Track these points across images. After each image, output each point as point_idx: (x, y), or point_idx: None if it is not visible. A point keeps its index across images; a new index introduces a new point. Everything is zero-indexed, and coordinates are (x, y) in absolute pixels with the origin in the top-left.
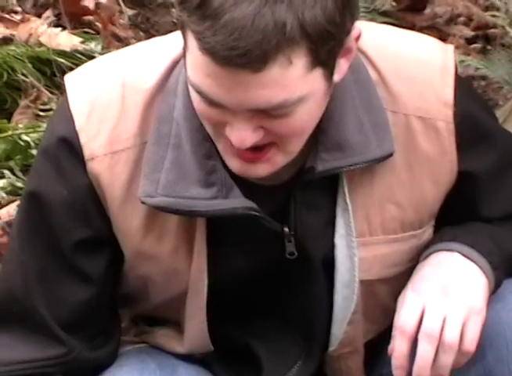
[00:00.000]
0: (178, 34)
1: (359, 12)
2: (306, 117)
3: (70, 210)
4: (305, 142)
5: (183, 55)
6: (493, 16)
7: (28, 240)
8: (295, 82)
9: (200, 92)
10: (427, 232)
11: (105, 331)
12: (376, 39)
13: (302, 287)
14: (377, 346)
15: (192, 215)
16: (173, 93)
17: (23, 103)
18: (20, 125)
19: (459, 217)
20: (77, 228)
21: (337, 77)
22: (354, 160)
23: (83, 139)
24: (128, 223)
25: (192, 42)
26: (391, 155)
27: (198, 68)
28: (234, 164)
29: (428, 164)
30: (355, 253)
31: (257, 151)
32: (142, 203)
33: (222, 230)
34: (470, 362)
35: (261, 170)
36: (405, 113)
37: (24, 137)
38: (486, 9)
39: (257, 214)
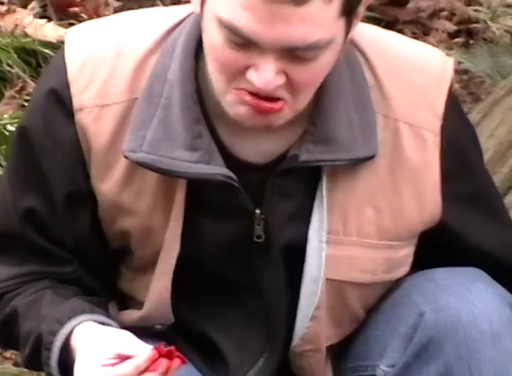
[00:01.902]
0: (178, 6)
1: None
2: (323, 67)
3: (55, 161)
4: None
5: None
6: (476, 10)
7: (15, 183)
8: (329, 23)
9: (232, 29)
10: (407, 248)
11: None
12: (376, 39)
13: (264, 274)
14: (342, 342)
15: (173, 175)
16: (169, 54)
17: (8, 93)
18: (6, 116)
19: (448, 249)
20: (61, 181)
21: (348, 38)
22: (338, 156)
23: (73, 90)
24: (108, 175)
25: None
26: (373, 157)
27: (235, 1)
28: (243, 112)
29: (411, 172)
30: (323, 248)
31: (271, 101)
32: (125, 157)
33: (200, 199)
34: (430, 359)
35: (269, 120)
36: (395, 119)
37: (9, 127)
38: (469, 3)
39: (235, 184)
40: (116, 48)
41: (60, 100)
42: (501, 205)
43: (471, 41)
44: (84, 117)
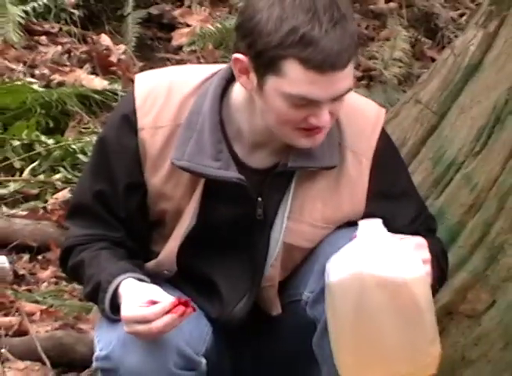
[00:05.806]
0: (208, 66)
1: None
2: (343, 102)
3: (121, 161)
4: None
5: (258, 84)
6: (374, 62)
7: (92, 173)
8: (351, 74)
9: (303, 98)
10: None
11: (136, 250)
12: None
13: (256, 238)
14: (285, 280)
15: (203, 176)
16: (203, 96)
17: (71, 124)
18: (70, 138)
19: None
20: (124, 174)
21: None
22: (313, 164)
23: (139, 115)
24: (157, 173)
25: (294, 66)
26: (334, 166)
27: (302, 82)
28: (305, 142)
29: (350, 182)
30: (284, 221)
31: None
32: (172, 163)
33: (216, 191)
34: (314, 262)
35: (319, 140)
36: (344, 146)
37: (72, 146)
38: (369, 58)
39: (245, 184)
40: (168, 90)
41: (129, 121)
42: (414, 194)
43: (371, 83)
44: (144, 134)
